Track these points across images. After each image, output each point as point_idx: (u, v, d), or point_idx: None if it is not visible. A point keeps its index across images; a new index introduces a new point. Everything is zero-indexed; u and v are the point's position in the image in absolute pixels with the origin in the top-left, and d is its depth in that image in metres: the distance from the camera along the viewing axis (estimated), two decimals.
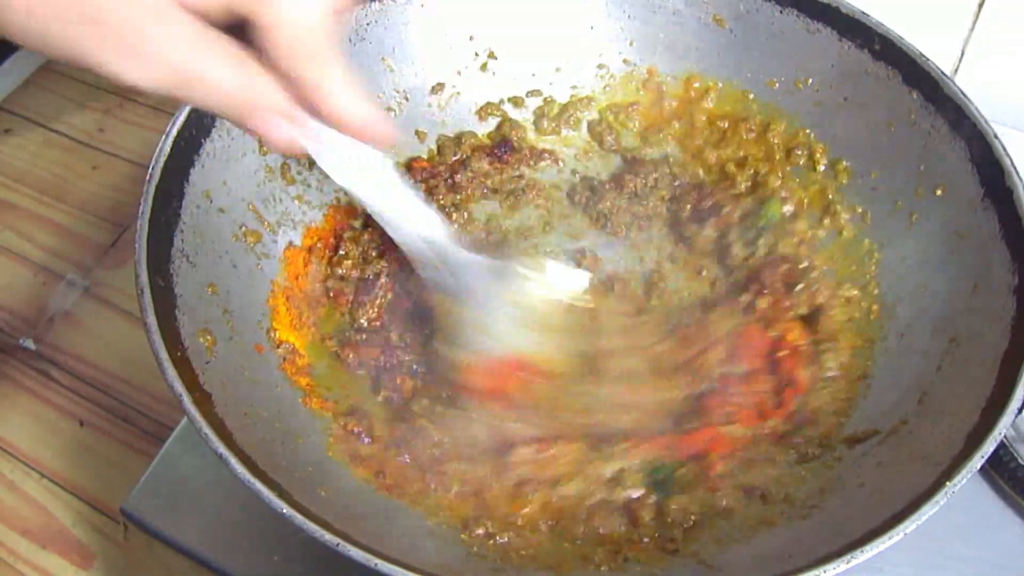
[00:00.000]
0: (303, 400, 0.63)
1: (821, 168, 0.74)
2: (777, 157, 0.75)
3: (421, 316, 0.68)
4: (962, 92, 0.64)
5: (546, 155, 0.80)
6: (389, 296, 0.71)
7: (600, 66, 0.80)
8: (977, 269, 0.62)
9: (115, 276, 1.39)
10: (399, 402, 0.65)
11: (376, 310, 0.70)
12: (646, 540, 0.58)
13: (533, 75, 0.81)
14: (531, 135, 0.80)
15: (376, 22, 0.75)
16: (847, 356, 0.66)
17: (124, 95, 1.64)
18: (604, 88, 0.81)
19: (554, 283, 0.62)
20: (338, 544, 0.48)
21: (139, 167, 1.55)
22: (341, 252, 0.72)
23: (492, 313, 0.61)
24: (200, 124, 0.64)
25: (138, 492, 0.69)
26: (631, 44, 0.79)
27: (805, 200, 0.74)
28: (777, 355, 0.66)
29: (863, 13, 0.69)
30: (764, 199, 0.73)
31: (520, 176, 0.79)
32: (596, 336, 0.64)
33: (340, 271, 0.71)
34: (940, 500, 0.50)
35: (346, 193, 0.56)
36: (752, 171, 0.75)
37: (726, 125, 0.77)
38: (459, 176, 0.77)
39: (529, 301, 0.61)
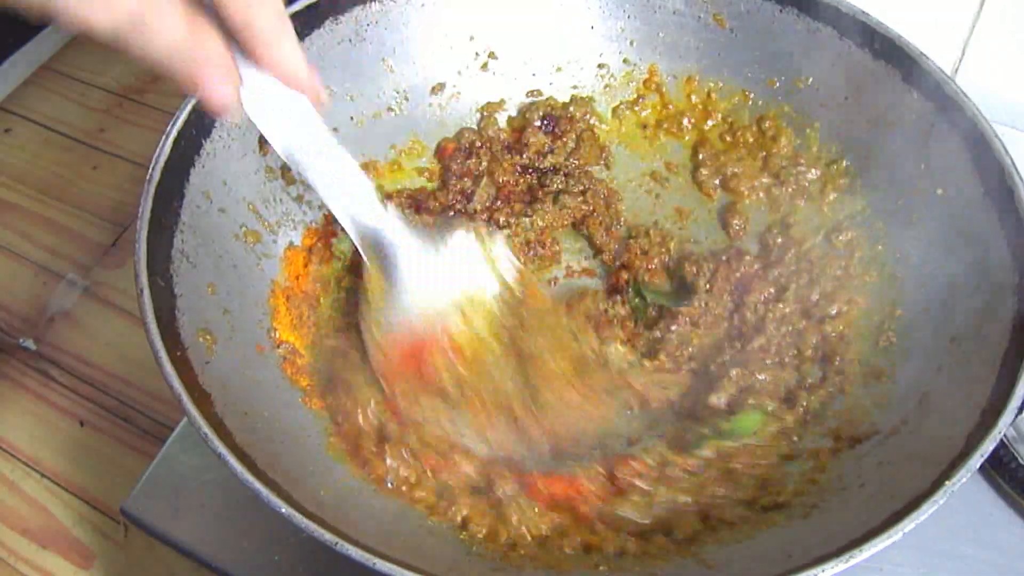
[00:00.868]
0: (303, 400, 0.63)
1: (821, 167, 0.74)
2: (777, 157, 0.75)
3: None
4: (962, 92, 0.64)
5: None
6: None
7: (600, 66, 0.80)
8: (978, 269, 0.62)
9: (115, 276, 1.39)
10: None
11: None
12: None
13: (534, 75, 0.81)
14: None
15: (376, 22, 0.75)
16: (848, 356, 0.66)
17: (124, 95, 1.64)
18: (604, 88, 0.81)
19: (497, 257, 0.62)
20: (337, 543, 0.48)
21: (139, 167, 1.55)
22: None
23: (422, 290, 0.61)
24: (200, 124, 0.64)
25: (138, 492, 0.69)
26: (631, 44, 0.79)
27: (805, 197, 0.74)
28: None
29: (863, 13, 0.69)
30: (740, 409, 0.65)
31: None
32: (523, 328, 0.63)
33: None
34: (940, 500, 0.50)
35: (288, 165, 0.57)
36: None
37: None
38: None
39: (462, 280, 0.61)
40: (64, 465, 1.20)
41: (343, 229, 0.61)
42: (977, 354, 0.58)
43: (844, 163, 0.73)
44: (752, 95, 0.77)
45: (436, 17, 0.77)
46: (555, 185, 0.76)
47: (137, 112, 1.62)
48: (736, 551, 0.56)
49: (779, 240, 0.72)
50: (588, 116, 0.80)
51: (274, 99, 0.51)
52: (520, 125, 0.80)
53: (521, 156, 0.78)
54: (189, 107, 0.63)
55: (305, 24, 0.70)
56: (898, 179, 0.69)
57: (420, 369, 0.61)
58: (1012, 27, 0.80)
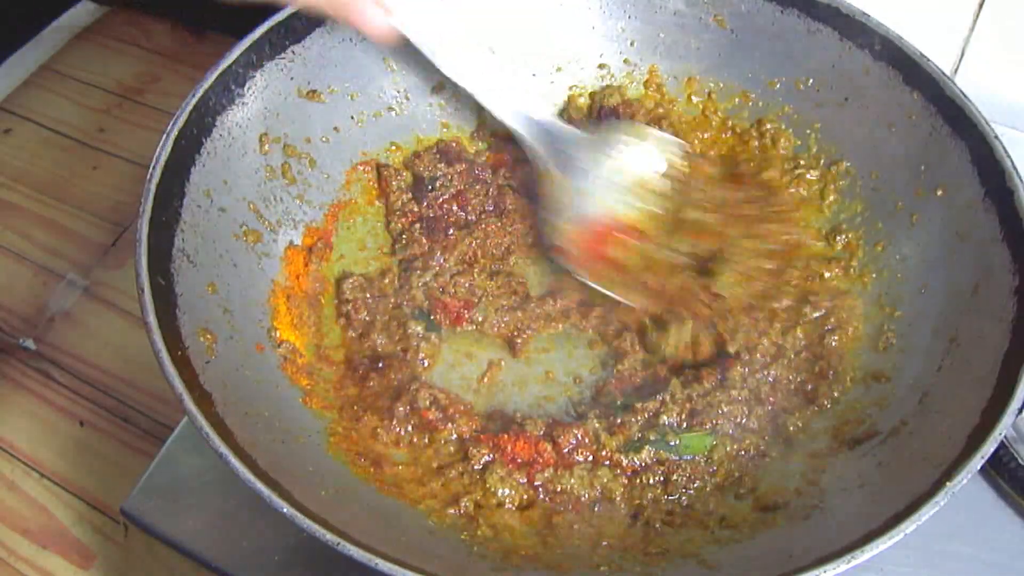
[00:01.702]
0: (303, 400, 0.63)
1: (821, 168, 0.74)
2: (778, 159, 0.75)
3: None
4: (962, 92, 0.65)
5: None
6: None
7: (601, 66, 0.80)
8: (978, 270, 0.62)
9: (115, 276, 1.40)
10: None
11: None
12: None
13: (534, 75, 0.81)
14: None
15: None
16: (848, 356, 0.66)
17: (124, 95, 1.64)
18: (604, 88, 0.81)
19: (653, 149, 0.68)
20: (338, 543, 0.48)
21: (139, 167, 1.55)
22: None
23: (593, 181, 0.68)
24: (201, 124, 0.64)
25: (138, 492, 0.69)
26: (632, 44, 0.79)
27: (804, 193, 0.74)
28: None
29: (863, 13, 0.69)
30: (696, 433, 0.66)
31: None
32: (685, 199, 0.69)
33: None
34: (940, 500, 0.50)
35: (448, 84, 0.66)
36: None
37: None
38: None
39: (627, 167, 0.67)
40: (64, 465, 1.20)
41: (514, 133, 0.68)
42: (977, 355, 0.58)
43: (844, 164, 0.73)
44: (752, 96, 0.77)
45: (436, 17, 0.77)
46: None
47: (137, 112, 1.62)
48: (737, 552, 0.56)
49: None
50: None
51: (425, 19, 0.60)
52: None
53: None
54: (190, 107, 0.63)
55: (306, 23, 0.70)
56: (898, 180, 0.69)
57: (603, 251, 0.68)
58: (1012, 27, 0.80)
